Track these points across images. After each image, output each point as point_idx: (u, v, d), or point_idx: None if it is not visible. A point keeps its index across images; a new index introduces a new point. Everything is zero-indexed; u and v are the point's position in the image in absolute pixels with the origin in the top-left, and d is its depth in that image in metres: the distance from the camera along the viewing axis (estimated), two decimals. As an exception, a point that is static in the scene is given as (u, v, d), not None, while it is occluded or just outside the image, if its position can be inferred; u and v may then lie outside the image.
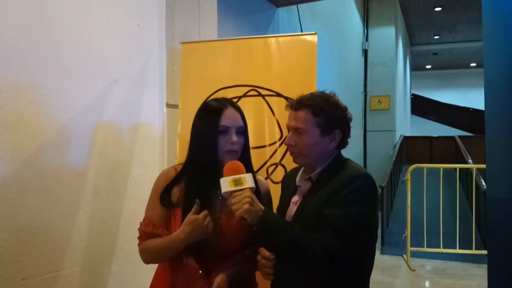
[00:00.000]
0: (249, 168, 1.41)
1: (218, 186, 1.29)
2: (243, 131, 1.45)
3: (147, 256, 1.43)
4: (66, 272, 1.92)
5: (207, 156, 1.40)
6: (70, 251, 1.95)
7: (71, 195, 1.96)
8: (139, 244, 1.44)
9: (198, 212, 1.33)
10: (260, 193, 1.45)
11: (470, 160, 8.16)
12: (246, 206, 1.24)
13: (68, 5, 1.94)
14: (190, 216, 1.33)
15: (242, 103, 2.47)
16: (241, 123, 1.44)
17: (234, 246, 1.43)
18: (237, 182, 1.27)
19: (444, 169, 5.62)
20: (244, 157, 1.45)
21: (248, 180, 1.28)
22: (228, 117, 1.41)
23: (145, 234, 1.42)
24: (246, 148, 1.47)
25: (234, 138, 1.40)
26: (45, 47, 1.84)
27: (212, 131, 1.40)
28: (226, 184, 1.27)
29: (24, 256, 1.75)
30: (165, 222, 1.43)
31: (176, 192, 1.43)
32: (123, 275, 2.22)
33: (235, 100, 2.44)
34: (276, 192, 1.60)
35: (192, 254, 1.37)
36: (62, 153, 1.92)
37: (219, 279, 1.36)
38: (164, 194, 1.43)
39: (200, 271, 1.37)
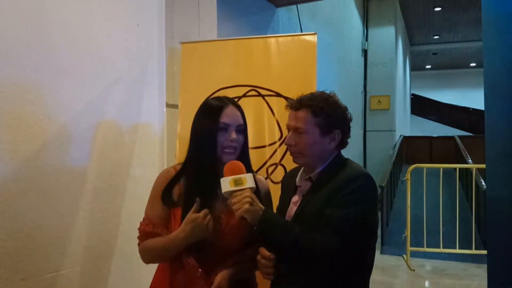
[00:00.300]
0: (248, 168, 1.41)
1: (218, 185, 1.29)
2: (242, 130, 1.45)
3: (147, 256, 1.43)
4: (66, 272, 1.92)
5: (207, 153, 1.40)
6: (70, 251, 1.95)
7: (71, 195, 1.96)
8: (139, 244, 1.44)
9: (198, 211, 1.33)
10: (260, 193, 1.45)
11: (470, 160, 8.16)
12: (246, 206, 1.24)
13: (68, 5, 1.94)
14: (190, 215, 1.33)
15: (242, 103, 2.45)
16: (241, 121, 1.44)
17: (234, 246, 1.43)
18: (237, 182, 1.27)
19: (444, 169, 5.61)
20: (243, 156, 1.46)
21: (248, 180, 1.28)
22: (229, 115, 1.42)
23: (145, 234, 1.42)
24: (245, 147, 1.48)
25: (234, 135, 1.41)
26: (44, 47, 1.84)
27: (212, 128, 1.40)
28: (226, 184, 1.28)
29: (23, 257, 1.75)
30: (165, 221, 1.43)
31: (176, 191, 1.43)
32: (123, 275, 2.22)
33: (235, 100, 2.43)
34: (276, 192, 1.60)
35: (192, 253, 1.37)
36: (62, 154, 1.91)
37: (219, 278, 1.36)
38: (165, 193, 1.43)
39: (200, 270, 1.37)
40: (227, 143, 1.40)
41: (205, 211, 1.33)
